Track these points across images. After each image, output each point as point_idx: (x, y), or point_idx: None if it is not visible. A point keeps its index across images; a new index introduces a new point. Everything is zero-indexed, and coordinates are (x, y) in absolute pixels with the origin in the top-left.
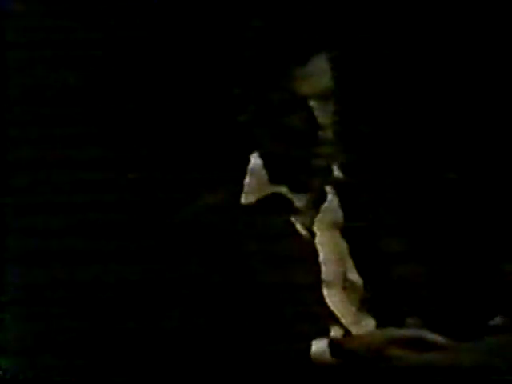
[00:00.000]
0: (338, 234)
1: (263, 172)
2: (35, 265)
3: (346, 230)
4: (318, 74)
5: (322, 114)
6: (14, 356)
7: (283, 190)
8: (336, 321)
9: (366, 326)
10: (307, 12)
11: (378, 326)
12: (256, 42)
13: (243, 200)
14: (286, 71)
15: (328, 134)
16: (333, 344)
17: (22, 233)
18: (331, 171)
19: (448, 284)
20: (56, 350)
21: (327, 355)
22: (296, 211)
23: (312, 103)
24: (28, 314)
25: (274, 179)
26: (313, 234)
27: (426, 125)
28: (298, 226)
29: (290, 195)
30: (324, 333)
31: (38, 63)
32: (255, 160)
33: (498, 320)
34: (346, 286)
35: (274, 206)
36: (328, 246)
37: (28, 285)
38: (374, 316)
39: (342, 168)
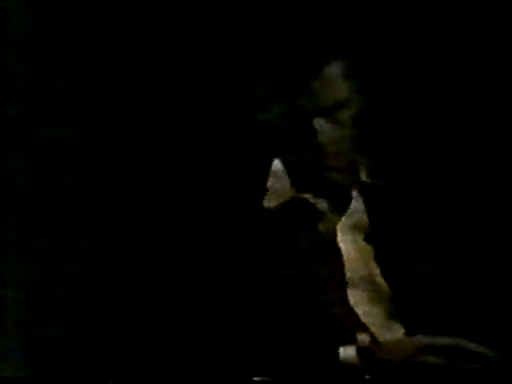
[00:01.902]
0: (362, 237)
1: (285, 176)
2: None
3: (371, 233)
4: (332, 85)
5: (346, 118)
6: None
7: (306, 193)
8: (362, 326)
9: (394, 332)
10: (328, 20)
11: (407, 332)
12: (276, 53)
13: (265, 204)
14: (309, 78)
15: (352, 137)
16: (361, 351)
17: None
18: (357, 174)
19: (486, 288)
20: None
21: (356, 362)
22: (320, 214)
23: (334, 108)
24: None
25: (296, 183)
26: (337, 238)
27: (451, 127)
28: (321, 230)
29: (312, 199)
30: (350, 338)
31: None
32: (277, 164)
33: None
34: (372, 289)
35: (296, 209)
36: (352, 250)
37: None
38: (403, 322)
39: (367, 171)
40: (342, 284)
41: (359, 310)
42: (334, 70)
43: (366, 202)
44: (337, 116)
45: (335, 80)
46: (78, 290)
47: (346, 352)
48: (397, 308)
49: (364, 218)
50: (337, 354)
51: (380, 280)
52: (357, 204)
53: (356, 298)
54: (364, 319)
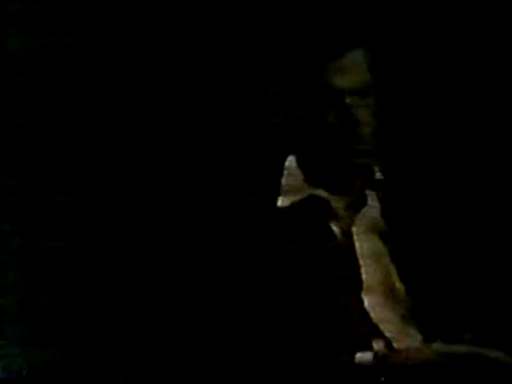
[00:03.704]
0: (378, 239)
1: (300, 173)
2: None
3: (388, 234)
4: (355, 68)
5: (362, 110)
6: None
7: (321, 192)
8: (378, 333)
9: (410, 338)
10: (342, 4)
11: (425, 339)
12: (289, 36)
13: (279, 203)
14: (322, 65)
15: (368, 132)
16: (378, 358)
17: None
18: (372, 172)
19: (509, 294)
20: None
21: (371, 366)
22: (334, 214)
23: (350, 99)
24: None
25: (311, 181)
26: (352, 239)
27: (473, 122)
28: (336, 230)
29: (328, 197)
30: (365, 345)
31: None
32: (291, 161)
33: None
34: (389, 293)
35: (311, 208)
36: (368, 252)
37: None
38: (421, 328)
39: (383, 169)
40: (358, 288)
41: (375, 316)
42: (354, 56)
43: (381, 203)
44: (363, 100)
45: (360, 62)
46: (77, 291)
47: (362, 357)
48: (414, 313)
49: (380, 219)
50: (352, 360)
51: (397, 284)
52: (372, 204)
53: (372, 303)
54: (380, 325)
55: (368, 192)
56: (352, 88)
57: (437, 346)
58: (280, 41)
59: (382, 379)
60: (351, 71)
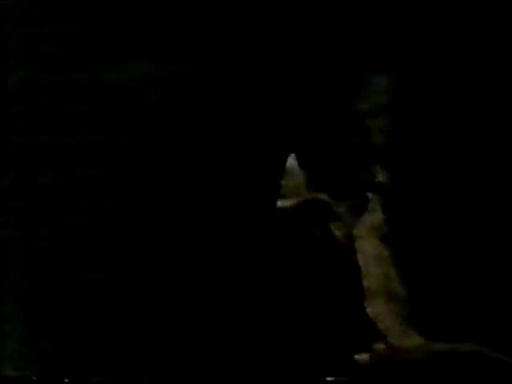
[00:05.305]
0: (380, 242)
1: (301, 175)
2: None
3: (389, 238)
4: (376, 92)
5: (378, 132)
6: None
7: (322, 194)
8: (379, 335)
9: (411, 341)
10: (367, 30)
11: (426, 340)
12: (316, 58)
13: (279, 204)
14: (346, 88)
15: (372, 140)
16: (376, 358)
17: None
18: (374, 176)
19: (507, 294)
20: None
21: (369, 364)
22: (335, 217)
23: (369, 121)
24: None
25: (312, 183)
26: (353, 242)
27: (474, 138)
28: (337, 234)
29: (329, 200)
30: (366, 348)
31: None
32: (292, 162)
33: None
34: (390, 297)
35: (312, 211)
36: (369, 255)
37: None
38: (421, 331)
39: (385, 173)
40: (359, 291)
41: (376, 320)
42: (376, 81)
43: (383, 207)
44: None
45: (375, 92)
46: (78, 288)
47: (359, 358)
48: (416, 318)
49: (382, 223)
50: (351, 363)
51: (399, 289)
52: (374, 208)
53: (373, 308)
54: (380, 327)
55: (370, 196)
56: (371, 111)
57: (438, 344)
58: (305, 61)
59: None
60: (373, 95)
